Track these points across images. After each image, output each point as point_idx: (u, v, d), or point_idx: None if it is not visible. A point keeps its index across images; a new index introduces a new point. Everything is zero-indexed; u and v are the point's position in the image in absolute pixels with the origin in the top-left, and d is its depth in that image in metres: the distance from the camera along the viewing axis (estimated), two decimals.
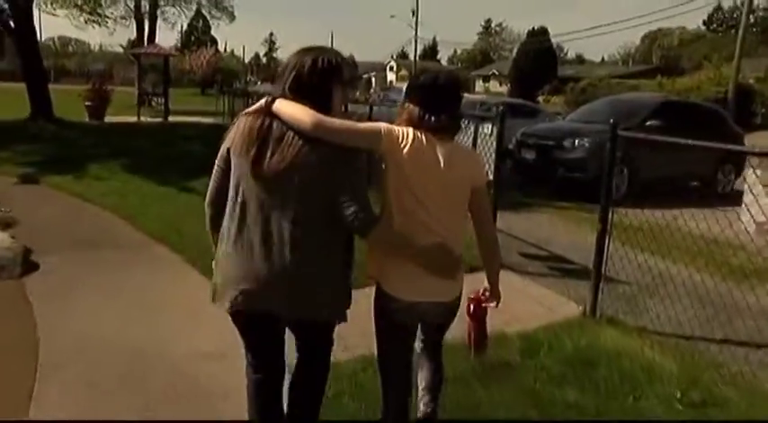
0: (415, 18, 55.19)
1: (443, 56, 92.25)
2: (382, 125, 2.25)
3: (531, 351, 3.81)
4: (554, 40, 49.50)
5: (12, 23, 15.69)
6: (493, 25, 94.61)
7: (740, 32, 28.67)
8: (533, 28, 49.20)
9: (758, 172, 6.15)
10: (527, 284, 5.20)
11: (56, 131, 14.43)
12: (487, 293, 2.53)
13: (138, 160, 10.82)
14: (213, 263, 2.34)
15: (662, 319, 4.26)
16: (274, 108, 2.14)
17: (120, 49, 55.92)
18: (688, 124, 9.89)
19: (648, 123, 9.36)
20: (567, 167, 9.60)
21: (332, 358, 2.54)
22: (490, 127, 5.60)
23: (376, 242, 2.23)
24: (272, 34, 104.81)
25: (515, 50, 56.05)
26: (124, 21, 30.51)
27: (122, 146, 12.66)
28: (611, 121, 4.31)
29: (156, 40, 30.35)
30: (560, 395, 3.33)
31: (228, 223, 2.23)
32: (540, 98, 37.68)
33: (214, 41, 56.93)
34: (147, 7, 32.08)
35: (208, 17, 42.30)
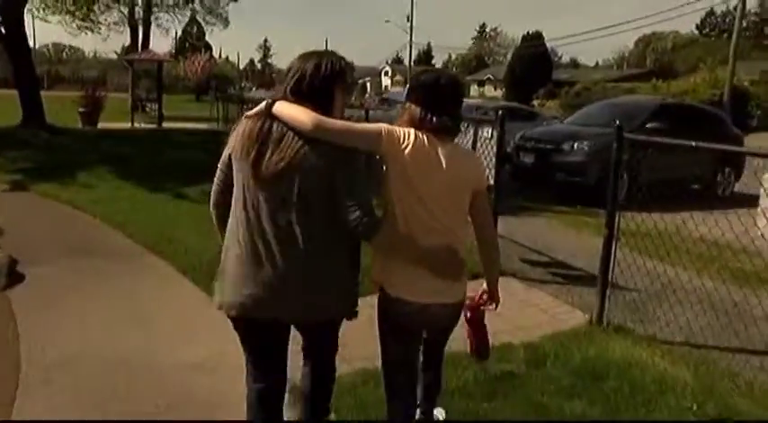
0: (409, 23, 55.21)
1: (438, 61, 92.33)
2: (383, 126, 2.20)
3: (536, 361, 3.65)
4: (548, 45, 49.56)
5: (3, 30, 15.49)
6: (487, 30, 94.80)
7: (734, 36, 28.79)
8: (528, 32, 49.23)
9: None
10: (530, 292, 5.05)
11: (47, 138, 14.23)
12: (485, 296, 2.50)
13: (130, 167, 10.64)
14: (219, 268, 2.31)
15: (672, 328, 4.12)
16: (274, 110, 2.13)
17: (115, 56, 55.72)
18: (687, 127, 9.75)
19: (648, 126, 9.22)
20: (567, 171, 9.47)
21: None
22: (490, 130, 5.46)
23: (380, 245, 2.20)
24: (266, 40, 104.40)
25: (510, 55, 56.10)
26: (118, 27, 30.33)
27: (114, 152, 12.47)
28: (616, 123, 4.16)
29: (150, 47, 30.28)
30: (568, 408, 3.18)
31: (233, 228, 2.22)
32: (536, 102, 37.64)
33: (208, 47, 56.57)
34: (141, 13, 31.95)
35: (202, 23, 42.23)
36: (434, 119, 2.22)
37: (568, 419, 3.09)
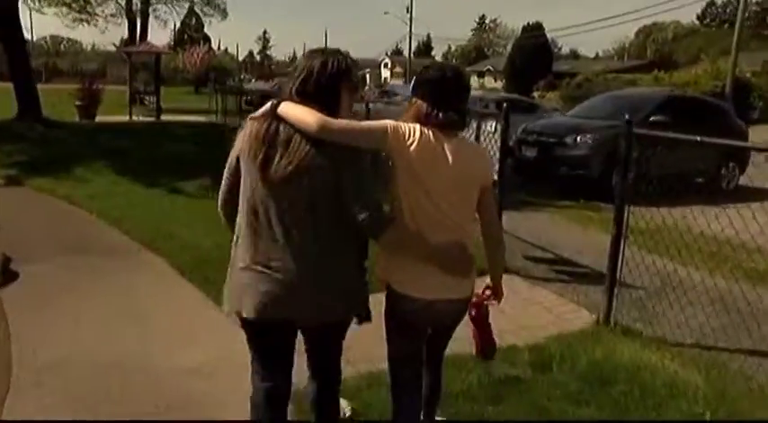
0: (409, 14, 54.88)
1: (438, 52, 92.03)
2: (388, 123, 2.19)
3: (542, 364, 3.54)
4: (548, 36, 49.26)
5: None
6: (487, 21, 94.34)
7: (737, 26, 28.51)
8: (528, 23, 48.94)
9: None
10: (534, 290, 4.94)
11: (43, 132, 14.07)
12: (488, 292, 2.48)
13: (127, 161, 10.51)
14: (228, 270, 2.30)
15: (682, 328, 4.00)
16: (280, 111, 2.12)
17: (114, 48, 55.41)
18: (692, 120, 9.63)
19: (653, 119, 9.08)
20: (570, 165, 9.35)
21: None
22: (493, 124, 5.34)
23: (389, 243, 2.20)
24: (265, 32, 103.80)
25: (510, 46, 55.81)
26: (115, 19, 30.09)
27: (111, 146, 12.33)
28: (626, 117, 4.04)
29: (149, 39, 30.02)
30: (576, 413, 3.09)
31: (242, 230, 2.21)
32: (536, 93, 37.43)
33: (207, 39, 56.31)
34: (139, 5, 31.69)
35: (200, 14, 41.92)
36: (441, 114, 2.20)
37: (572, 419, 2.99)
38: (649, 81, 30.80)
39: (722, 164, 10.44)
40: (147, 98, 21.42)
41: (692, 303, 4.15)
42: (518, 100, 16.07)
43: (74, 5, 21.42)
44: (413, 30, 56.84)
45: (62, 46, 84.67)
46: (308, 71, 2.14)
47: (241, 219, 2.21)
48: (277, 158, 2.08)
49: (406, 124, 2.20)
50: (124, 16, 31.26)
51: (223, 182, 2.32)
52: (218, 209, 2.39)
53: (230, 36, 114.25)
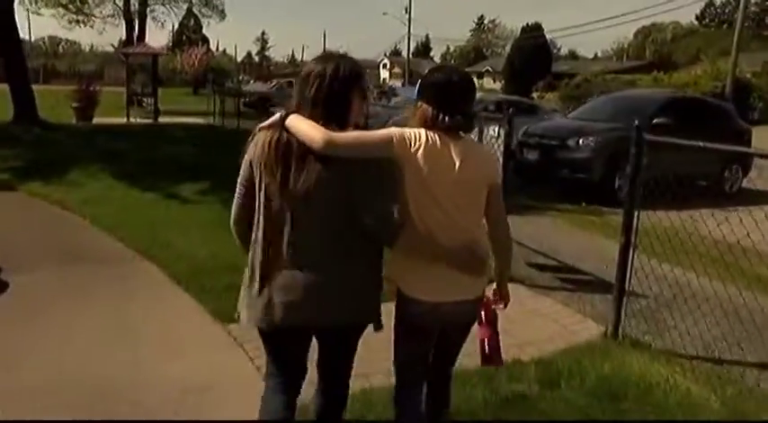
0: (407, 15, 54.79)
1: (436, 53, 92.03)
2: (393, 131, 2.18)
3: (549, 381, 3.40)
4: (547, 36, 49.15)
5: None
6: (486, 22, 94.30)
7: (737, 26, 28.43)
8: (527, 24, 48.85)
9: None
10: (538, 300, 4.80)
11: (39, 134, 13.94)
12: (494, 296, 2.47)
13: (124, 164, 10.35)
14: (244, 279, 2.29)
15: (693, 340, 3.86)
16: (287, 124, 2.12)
17: (112, 50, 55.27)
18: (695, 122, 9.54)
19: (656, 121, 8.93)
20: (572, 168, 9.22)
21: None
22: (496, 129, 5.21)
23: (400, 245, 2.18)
24: (264, 33, 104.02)
25: (509, 47, 55.71)
26: (113, 20, 29.97)
27: (108, 149, 12.18)
28: (635, 122, 3.91)
29: (147, 40, 29.83)
30: None
31: (257, 240, 2.20)
32: (535, 94, 37.32)
33: (206, 40, 56.18)
34: (137, 6, 31.53)
35: (199, 16, 41.78)
36: (447, 118, 2.19)
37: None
38: (649, 82, 30.72)
39: (725, 166, 10.31)
40: (145, 100, 21.28)
41: (705, 315, 3.99)
42: (518, 101, 15.91)
43: (70, 6, 21.26)
44: (411, 30, 56.86)
45: (60, 47, 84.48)
46: (321, 76, 2.12)
47: (257, 229, 2.20)
48: (293, 173, 2.08)
49: (411, 130, 2.19)
50: (122, 17, 31.14)
51: (236, 195, 2.29)
52: (231, 225, 2.36)
53: (229, 37, 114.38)
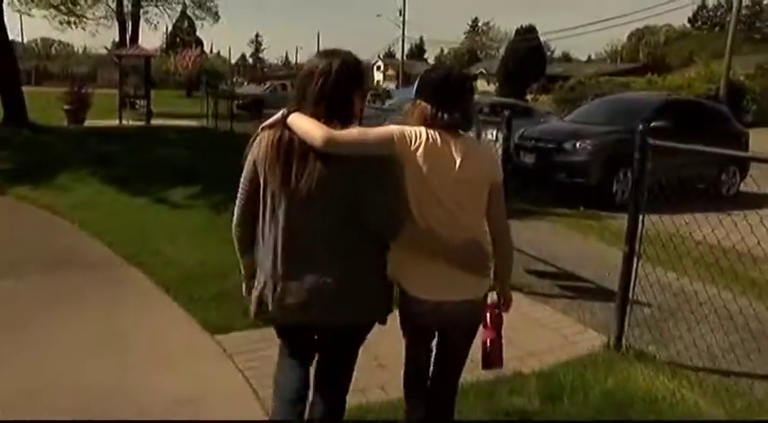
0: (402, 17, 54.70)
1: (430, 55, 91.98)
2: (394, 129, 2.18)
3: (551, 395, 3.28)
4: (542, 39, 49.19)
5: None
6: (480, 24, 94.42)
7: (730, 29, 28.51)
8: (521, 26, 48.83)
9: None
10: (538, 309, 4.68)
11: (29, 137, 13.75)
12: (496, 298, 2.46)
13: (115, 168, 10.18)
14: (255, 280, 2.28)
15: (699, 350, 3.73)
16: (289, 122, 2.11)
17: (105, 52, 54.97)
18: (692, 124, 9.45)
19: (653, 124, 8.80)
20: (569, 172, 9.11)
21: None
22: (494, 132, 5.10)
23: (404, 244, 2.18)
24: (258, 35, 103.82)
25: (503, 49, 55.69)
26: (106, 22, 29.73)
27: (99, 152, 11.99)
28: (640, 128, 3.80)
29: (140, 42, 29.61)
30: None
31: (263, 240, 2.20)
32: (529, 97, 37.29)
33: (199, 42, 55.98)
34: (130, 7, 31.29)
35: (192, 17, 41.61)
36: (446, 116, 2.19)
37: None
38: (643, 84, 30.71)
39: (723, 169, 10.25)
40: (138, 102, 21.09)
41: (714, 330, 3.86)
42: (513, 104, 15.79)
43: (61, 7, 21.03)
44: (405, 32, 56.69)
45: (53, 49, 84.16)
46: (326, 73, 2.09)
47: (263, 229, 2.20)
48: (297, 173, 2.07)
49: (411, 128, 2.19)
50: (114, 19, 30.90)
51: (239, 195, 2.26)
52: (233, 226, 2.31)
53: (223, 39, 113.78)
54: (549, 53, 60.47)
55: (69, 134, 15.44)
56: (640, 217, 3.77)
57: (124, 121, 19.41)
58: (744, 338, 3.74)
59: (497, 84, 47.55)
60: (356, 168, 2.07)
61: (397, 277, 2.28)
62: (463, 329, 2.37)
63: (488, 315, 2.43)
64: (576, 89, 30.85)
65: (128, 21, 31.31)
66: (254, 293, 2.27)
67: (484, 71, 61.04)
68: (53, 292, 4.68)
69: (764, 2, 67.81)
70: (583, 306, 4.73)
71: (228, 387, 3.39)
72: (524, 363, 3.64)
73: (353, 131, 2.09)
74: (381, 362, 3.48)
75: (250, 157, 2.20)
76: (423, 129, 2.19)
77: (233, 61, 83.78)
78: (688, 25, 74.59)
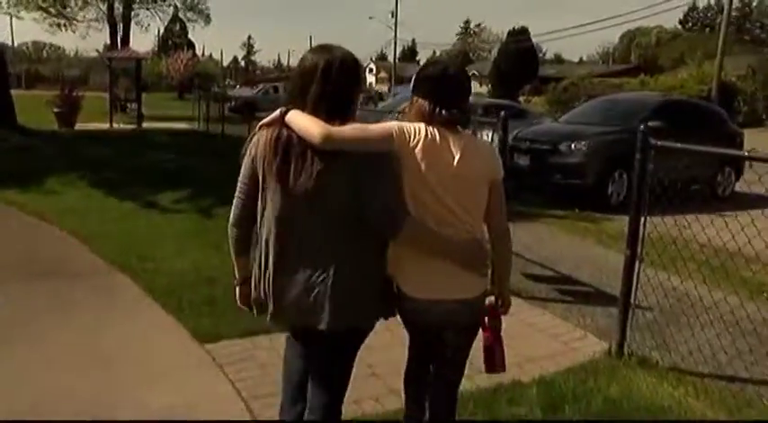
0: (394, 19, 54.65)
1: (423, 57, 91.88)
2: (393, 126, 2.15)
3: (553, 404, 3.17)
4: (534, 40, 49.24)
5: None
6: (472, 26, 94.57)
7: (722, 30, 28.58)
8: (513, 28, 48.88)
9: None
10: (536, 314, 4.57)
11: (18, 141, 13.56)
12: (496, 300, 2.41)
13: (104, 172, 10.04)
14: (252, 281, 2.24)
15: (705, 356, 3.63)
16: (287, 120, 2.07)
17: (97, 54, 54.75)
18: (689, 125, 9.36)
19: (650, 125, 8.75)
20: (564, 173, 9.02)
21: None
22: (490, 134, 5.00)
23: (404, 241, 2.13)
24: (250, 37, 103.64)
25: (495, 51, 55.74)
26: (97, 24, 29.54)
27: (89, 156, 11.85)
28: (641, 128, 3.71)
29: (131, 44, 29.44)
30: None
31: (261, 240, 2.16)
32: (522, 98, 37.28)
33: (191, 45, 55.82)
34: (121, 10, 31.11)
35: (184, 20, 41.49)
36: (444, 112, 2.16)
37: None
38: (635, 85, 30.76)
39: (719, 170, 10.20)
40: (129, 105, 20.92)
41: (720, 335, 3.77)
42: (508, 105, 15.71)
43: (51, 10, 20.84)
44: (398, 35, 56.62)
45: (44, 52, 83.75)
46: (327, 69, 2.04)
47: (261, 229, 2.16)
48: (295, 171, 2.03)
49: (410, 125, 2.16)
50: (105, 21, 30.70)
51: (237, 194, 2.20)
52: (229, 226, 2.24)
53: (215, 42, 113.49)
54: (541, 55, 60.56)
55: (59, 138, 15.28)
56: (642, 219, 3.67)
57: (115, 125, 19.26)
58: (751, 344, 3.64)
59: (490, 85, 47.51)
60: (355, 166, 2.03)
61: (393, 273, 2.25)
62: (460, 329, 2.31)
63: (488, 319, 2.36)
64: (569, 90, 30.88)
65: (119, 23, 31.14)
66: (253, 295, 2.24)
67: (476, 73, 60.95)
68: (38, 303, 4.52)
69: (754, 3, 68.30)
70: (582, 310, 4.63)
71: (222, 395, 3.29)
72: (523, 370, 3.54)
73: (352, 128, 2.05)
74: (375, 371, 3.38)
75: (248, 156, 2.15)
76: (422, 125, 2.16)
77: (225, 64, 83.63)
78: (679, 26, 74.91)
